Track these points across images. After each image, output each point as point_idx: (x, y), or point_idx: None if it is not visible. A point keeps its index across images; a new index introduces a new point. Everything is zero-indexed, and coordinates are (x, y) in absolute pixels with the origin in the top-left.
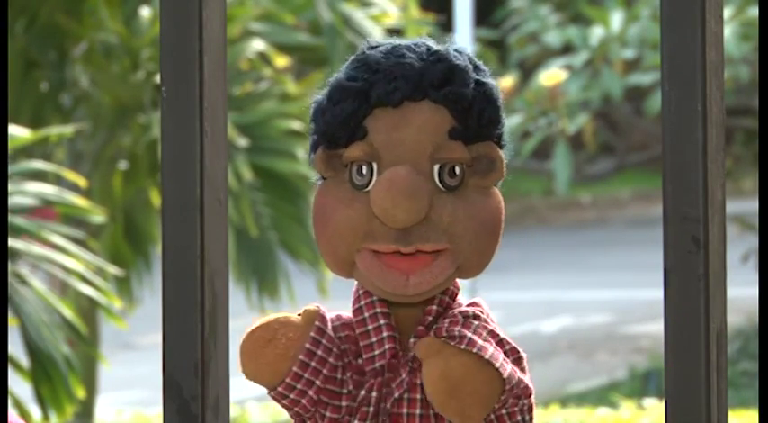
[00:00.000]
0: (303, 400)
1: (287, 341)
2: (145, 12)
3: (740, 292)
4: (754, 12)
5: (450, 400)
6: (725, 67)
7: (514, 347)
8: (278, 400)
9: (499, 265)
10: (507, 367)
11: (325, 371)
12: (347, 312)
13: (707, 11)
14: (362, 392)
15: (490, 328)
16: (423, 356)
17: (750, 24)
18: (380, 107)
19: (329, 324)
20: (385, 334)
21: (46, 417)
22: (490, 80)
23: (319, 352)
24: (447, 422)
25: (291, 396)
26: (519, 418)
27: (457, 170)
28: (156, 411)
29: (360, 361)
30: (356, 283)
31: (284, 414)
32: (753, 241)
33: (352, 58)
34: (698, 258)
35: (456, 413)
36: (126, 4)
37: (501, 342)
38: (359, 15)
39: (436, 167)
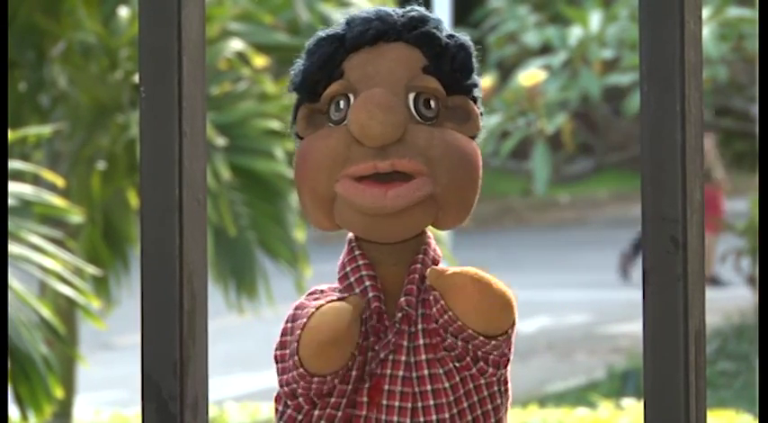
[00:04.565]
0: (327, 386)
1: (358, 333)
2: (123, 12)
3: (719, 292)
4: (732, 12)
5: (488, 295)
6: (703, 67)
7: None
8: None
9: (477, 265)
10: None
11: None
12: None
13: (686, 11)
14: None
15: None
16: (437, 278)
17: (728, 25)
18: (356, 51)
19: None
20: (370, 294)
21: (24, 417)
22: (464, 36)
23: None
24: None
25: (329, 381)
26: (495, 388)
27: (432, 103)
28: (135, 411)
29: None
30: (341, 256)
31: (263, 414)
32: (731, 241)
33: None
34: (677, 258)
35: (500, 307)
36: (104, 4)
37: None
38: (337, 15)
39: (411, 96)
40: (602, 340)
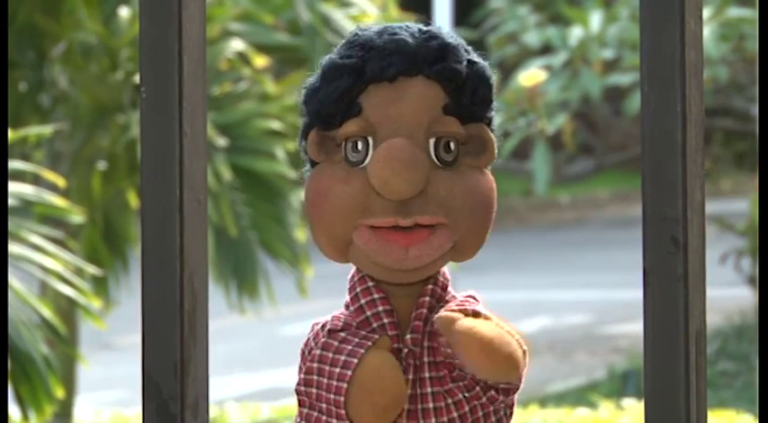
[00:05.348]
0: None
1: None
2: (124, 12)
3: (719, 292)
4: (732, 12)
5: (497, 351)
6: (704, 67)
7: (518, 340)
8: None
9: (478, 266)
10: (523, 345)
11: None
12: (341, 310)
13: (686, 11)
14: None
15: (495, 321)
16: (445, 324)
17: (729, 25)
18: (375, 83)
19: None
20: (390, 333)
21: (25, 417)
22: (482, 60)
23: None
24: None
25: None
26: (502, 413)
27: (452, 146)
28: (136, 411)
29: None
30: (351, 272)
31: (263, 414)
32: (731, 242)
33: (345, 40)
34: (677, 259)
35: (507, 357)
36: (105, 4)
37: (508, 333)
38: (338, 15)
39: (432, 141)
40: (602, 340)
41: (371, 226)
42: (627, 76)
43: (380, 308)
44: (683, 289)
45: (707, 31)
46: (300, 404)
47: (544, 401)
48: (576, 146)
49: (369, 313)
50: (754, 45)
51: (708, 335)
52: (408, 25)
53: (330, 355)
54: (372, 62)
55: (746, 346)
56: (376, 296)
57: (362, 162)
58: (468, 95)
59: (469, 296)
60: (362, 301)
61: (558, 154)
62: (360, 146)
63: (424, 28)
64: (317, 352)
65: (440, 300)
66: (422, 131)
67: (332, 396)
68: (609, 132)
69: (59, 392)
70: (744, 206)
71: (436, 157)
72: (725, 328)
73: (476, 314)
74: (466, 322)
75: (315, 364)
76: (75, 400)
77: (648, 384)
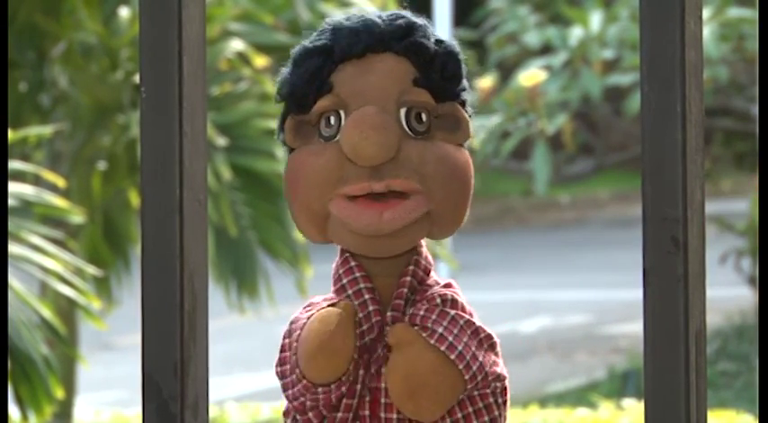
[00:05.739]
0: (335, 395)
1: (352, 336)
2: (124, 12)
3: (719, 292)
4: (732, 12)
5: (409, 401)
6: (704, 67)
7: (489, 334)
8: (310, 394)
9: (478, 266)
10: (474, 365)
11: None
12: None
13: (686, 11)
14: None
15: (466, 317)
16: (393, 344)
17: (729, 25)
18: (344, 62)
19: None
20: (371, 308)
21: (25, 417)
22: (452, 41)
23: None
24: None
25: (333, 390)
26: (491, 399)
27: (423, 117)
28: (135, 412)
29: None
30: (335, 264)
31: (263, 414)
32: (731, 242)
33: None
34: (677, 259)
35: (411, 413)
36: (105, 5)
37: (476, 331)
38: (338, 15)
39: (403, 111)
40: (602, 340)
41: (347, 196)
42: (627, 76)
43: (362, 285)
44: (683, 289)
45: (707, 31)
46: (283, 389)
47: (544, 401)
48: (576, 146)
49: (350, 291)
50: (754, 45)
51: (708, 335)
52: (378, 13)
53: (295, 326)
54: (341, 41)
55: (746, 346)
56: (358, 274)
57: (335, 136)
58: (438, 70)
59: (448, 285)
60: (344, 281)
61: (558, 154)
62: (332, 120)
63: (392, 12)
64: (286, 328)
65: (421, 282)
66: (392, 102)
67: (293, 357)
68: (609, 132)
69: (59, 393)
70: (744, 206)
71: (408, 128)
72: (725, 328)
73: (453, 302)
74: (405, 358)
75: (285, 340)
76: (75, 400)
77: (648, 384)
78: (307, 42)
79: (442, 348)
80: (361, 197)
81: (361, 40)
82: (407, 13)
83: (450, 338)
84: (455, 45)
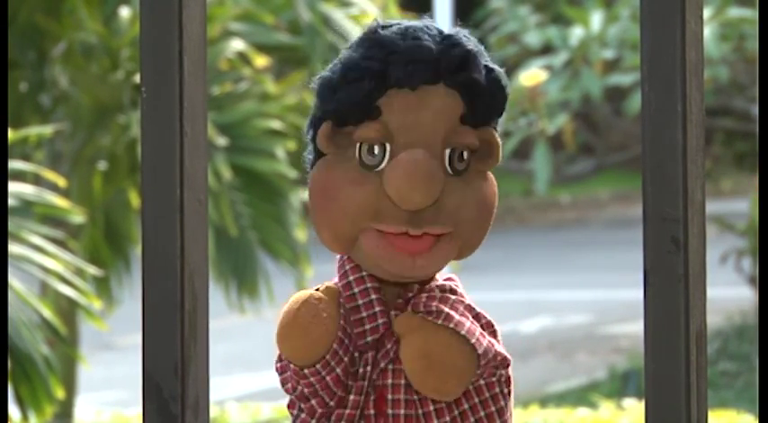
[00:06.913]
0: (329, 378)
1: (327, 318)
2: (124, 12)
3: (719, 292)
4: (732, 12)
5: (428, 377)
6: (704, 67)
7: (489, 321)
8: (301, 379)
9: (479, 265)
10: (483, 342)
11: (351, 348)
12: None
13: (687, 11)
14: (360, 368)
15: (466, 302)
16: (401, 333)
17: (729, 25)
18: (396, 88)
19: None
20: (377, 308)
21: (25, 417)
22: (497, 67)
23: (347, 329)
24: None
25: (324, 374)
26: (497, 389)
27: (465, 155)
28: (136, 412)
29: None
30: (340, 258)
31: (263, 414)
32: (732, 242)
33: (364, 36)
34: (678, 259)
35: (434, 389)
36: (105, 4)
37: (477, 316)
38: (338, 15)
39: (447, 152)
40: (603, 340)
41: (379, 230)
42: (627, 76)
43: (369, 284)
44: (684, 289)
45: (707, 31)
46: (282, 384)
47: (545, 401)
48: (576, 146)
49: (357, 289)
50: (754, 45)
51: (708, 335)
52: (428, 26)
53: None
54: (395, 68)
55: (747, 346)
56: (365, 273)
57: (377, 166)
58: (486, 104)
59: (448, 278)
60: (351, 278)
61: (558, 154)
62: (376, 150)
63: (445, 32)
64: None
65: (424, 282)
66: (439, 142)
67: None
68: (609, 132)
69: (59, 393)
70: (744, 206)
71: (450, 166)
72: (725, 328)
73: (452, 291)
74: (418, 338)
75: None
76: (76, 400)
77: (649, 384)
78: (357, 56)
79: (451, 325)
80: (395, 234)
81: (417, 72)
82: (461, 37)
83: (457, 317)
84: (502, 75)
